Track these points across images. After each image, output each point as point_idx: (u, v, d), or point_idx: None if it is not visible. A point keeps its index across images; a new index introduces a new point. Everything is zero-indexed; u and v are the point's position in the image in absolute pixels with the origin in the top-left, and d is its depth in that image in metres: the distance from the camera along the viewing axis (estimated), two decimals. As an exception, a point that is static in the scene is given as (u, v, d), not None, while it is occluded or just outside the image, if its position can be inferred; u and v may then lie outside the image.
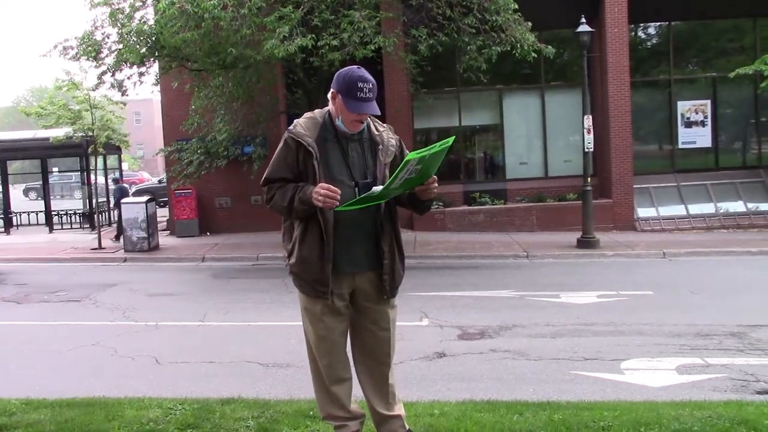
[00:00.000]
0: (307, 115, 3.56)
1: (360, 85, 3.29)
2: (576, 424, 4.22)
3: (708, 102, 19.04)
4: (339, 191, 3.20)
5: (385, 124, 3.67)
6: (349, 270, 3.48)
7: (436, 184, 3.33)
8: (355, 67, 3.44)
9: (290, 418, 4.42)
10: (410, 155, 2.99)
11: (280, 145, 3.50)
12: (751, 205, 17.99)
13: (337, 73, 3.42)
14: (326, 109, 3.54)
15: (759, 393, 5.71)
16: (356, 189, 3.39)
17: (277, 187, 3.45)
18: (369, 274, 3.52)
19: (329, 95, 3.46)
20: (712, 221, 17.65)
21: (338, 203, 3.20)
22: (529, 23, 13.92)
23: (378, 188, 3.20)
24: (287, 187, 3.40)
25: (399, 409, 3.74)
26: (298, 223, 3.49)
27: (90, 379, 6.48)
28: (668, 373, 6.36)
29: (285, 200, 3.37)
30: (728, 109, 19.75)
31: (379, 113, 3.41)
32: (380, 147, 3.51)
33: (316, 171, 3.36)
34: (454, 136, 3.33)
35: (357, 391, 3.76)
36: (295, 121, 3.54)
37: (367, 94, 3.30)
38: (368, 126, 3.54)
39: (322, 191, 3.19)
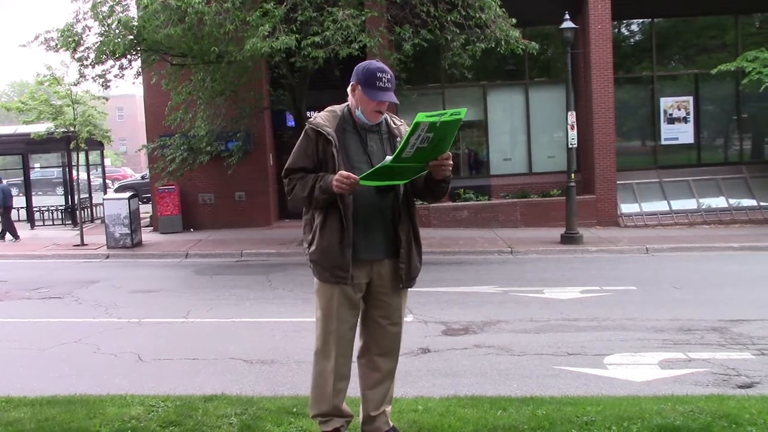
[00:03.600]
0: (327, 108, 3.66)
1: (379, 75, 3.42)
2: (559, 419, 4.23)
3: (690, 98, 19.18)
4: (357, 177, 3.26)
5: (401, 119, 3.77)
6: (367, 257, 3.54)
7: (450, 161, 3.34)
8: (374, 59, 3.58)
9: (274, 415, 4.40)
10: (419, 116, 2.99)
11: (301, 136, 3.60)
12: (733, 201, 18.16)
13: (357, 66, 3.54)
14: (345, 103, 3.64)
15: (740, 387, 5.76)
16: None
17: (297, 178, 3.52)
18: (386, 262, 3.60)
19: (348, 88, 3.57)
20: (694, 217, 17.80)
21: (355, 184, 3.28)
22: (514, 20, 13.93)
23: (389, 157, 3.23)
24: (307, 178, 3.47)
25: (385, 406, 3.77)
26: (318, 213, 3.55)
27: (72, 377, 6.42)
28: (651, 368, 6.39)
29: (305, 190, 3.46)
30: (710, 105, 19.91)
31: (397, 102, 3.53)
32: (398, 139, 3.60)
33: (335, 158, 3.44)
34: (465, 108, 3.32)
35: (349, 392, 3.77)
36: (315, 114, 3.67)
37: (386, 84, 3.43)
38: (386, 120, 3.65)
39: (341, 177, 3.28)
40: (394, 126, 3.66)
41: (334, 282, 3.52)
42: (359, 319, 3.71)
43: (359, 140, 3.55)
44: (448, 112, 3.06)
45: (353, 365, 3.77)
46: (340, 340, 3.61)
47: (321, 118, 3.55)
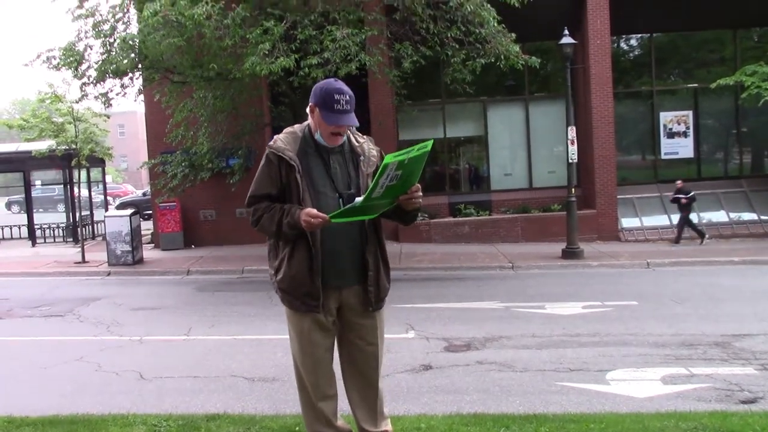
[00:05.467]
0: (287, 130, 3.56)
1: (336, 97, 3.29)
2: (562, 437, 4.22)
3: (690, 113, 19.25)
4: (326, 216, 3.18)
5: (365, 136, 3.67)
6: (336, 284, 3.47)
7: (420, 193, 3.29)
8: (332, 79, 3.45)
9: (276, 434, 4.40)
10: (387, 158, 2.95)
11: (262, 161, 3.49)
12: (734, 215, 18.16)
13: (315, 86, 3.43)
14: (306, 123, 3.54)
15: (743, 402, 5.73)
16: (340, 200, 3.38)
17: (263, 209, 3.42)
18: (355, 287, 3.52)
19: (308, 109, 3.46)
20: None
21: (325, 222, 3.19)
22: (513, 35, 13.99)
23: (359, 199, 3.16)
24: (274, 210, 3.37)
25: (386, 425, 3.74)
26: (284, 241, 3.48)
27: (74, 396, 6.40)
28: (653, 384, 6.37)
29: (273, 224, 3.36)
30: (710, 119, 19.97)
31: (356, 124, 3.40)
32: (362, 158, 3.51)
33: (299, 184, 3.36)
34: (432, 140, 3.30)
35: (345, 406, 3.74)
36: (275, 137, 3.55)
37: (344, 106, 3.30)
38: (348, 138, 3.54)
39: (308, 218, 3.20)
40: (357, 144, 3.56)
41: (305, 310, 3.47)
42: (336, 342, 3.67)
43: (322, 162, 3.45)
44: (415, 147, 3.01)
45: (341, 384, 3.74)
46: (318, 364, 3.58)
47: (282, 142, 3.45)
